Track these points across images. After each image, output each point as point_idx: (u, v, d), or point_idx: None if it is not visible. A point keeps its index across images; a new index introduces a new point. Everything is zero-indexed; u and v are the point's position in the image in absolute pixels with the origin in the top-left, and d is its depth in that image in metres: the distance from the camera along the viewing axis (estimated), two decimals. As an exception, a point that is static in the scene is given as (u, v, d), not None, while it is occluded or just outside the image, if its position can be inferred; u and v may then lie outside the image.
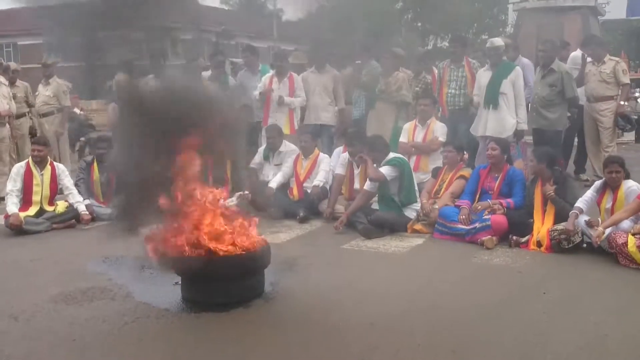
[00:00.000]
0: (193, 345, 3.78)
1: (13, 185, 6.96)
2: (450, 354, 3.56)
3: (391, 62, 8.37)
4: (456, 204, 6.39)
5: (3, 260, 5.76)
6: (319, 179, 7.42)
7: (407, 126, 7.80)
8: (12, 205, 6.81)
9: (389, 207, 6.47)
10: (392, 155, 6.66)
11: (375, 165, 6.62)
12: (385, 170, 6.50)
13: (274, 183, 7.48)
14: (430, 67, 8.80)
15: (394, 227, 6.41)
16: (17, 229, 6.63)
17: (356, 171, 7.20)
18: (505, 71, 7.55)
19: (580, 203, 5.62)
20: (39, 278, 5.12)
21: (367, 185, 6.74)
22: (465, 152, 7.18)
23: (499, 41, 7.90)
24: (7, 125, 8.98)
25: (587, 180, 8.53)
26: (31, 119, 9.67)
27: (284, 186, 7.64)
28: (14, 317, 4.18)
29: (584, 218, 5.60)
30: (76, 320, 4.13)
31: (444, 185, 6.78)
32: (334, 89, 8.77)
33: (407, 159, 6.86)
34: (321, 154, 7.77)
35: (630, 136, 13.21)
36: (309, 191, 7.40)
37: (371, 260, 5.57)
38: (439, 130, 7.56)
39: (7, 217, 6.78)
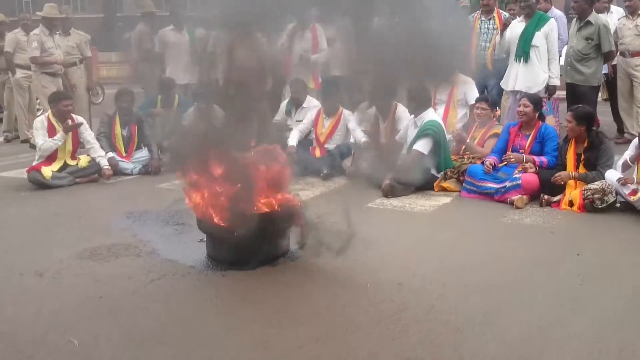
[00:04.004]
0: (220, 303, 3.75)
1: (43, 138, 6.91)
2: (483, 315, 3.47)
3: None
4: (482, 160, 6.21)
5: (27, 214, 5.75)
6: (358, 136, 7.14)
7: None
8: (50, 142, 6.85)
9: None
10: (428, 115, 6.40)
11: (413, 116, 6.46)
12: (421, 146, 6.23)
13: (293, 141, 7.30)
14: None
15: (421, 186, 6.26)
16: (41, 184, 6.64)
17: (382, 126, 7.02)
18: (539, 23, 7.25)
19: (627, 156, 5.51)
20: (63, 233, 5.10)
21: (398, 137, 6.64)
22: (498, 109, 6.94)
23: (530, -9, 7.57)
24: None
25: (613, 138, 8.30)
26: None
27: (306, 143, 7.48)
28: (40, 274, 4.16)
29: (617, 177, 5.43)
30: (102, 277, 4.10)
31: (475, 141, 6.58)
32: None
33: (441, 122, 6.55)
34: (345, 112, 7.56)
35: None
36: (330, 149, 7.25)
37: (397, 219, 5.47)
38: (467, 87, 7.28)
39: (29, 170, 6.76)
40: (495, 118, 6.75)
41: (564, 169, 5.76)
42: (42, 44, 8.96)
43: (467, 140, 6.50)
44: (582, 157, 5.68)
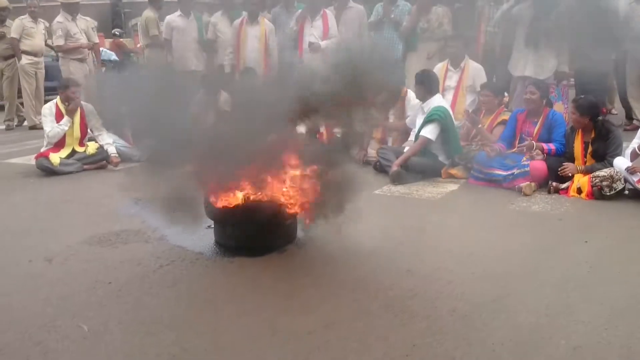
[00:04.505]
0: (228, 289, 3.76)
1: (51, 125, 6.93)
2: (490, 303, 3.47)
3: None
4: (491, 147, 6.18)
5: (35, 200, 5.78)
6: None
7: (438, 69, 7.48)
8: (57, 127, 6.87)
9: (423, 152, 6.30)
10: (435, 101, 6.40)
11: (421, 102, 6.47)
12: (428, 132, 6.25)
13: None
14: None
15: (428, 172, 6.26)
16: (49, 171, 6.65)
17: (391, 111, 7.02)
18: (548, 9, 7.17)
19: (635, 144, 5.45)
20: (72, 219, 5.12)
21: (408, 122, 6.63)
22: (506, 94, 6.90)
23: (538, -25, 7.49)
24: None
25: (621, 124, 8.25)
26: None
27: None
28: (48, 260, 4.18)
29: (625, 164, 5.40)
30: (111, 263, 4.12)
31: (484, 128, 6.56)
32: (360, 25, 8.48)
33: (448, 108, 6.54)
34: None
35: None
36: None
37: (404, 206, 5.46)
38: (476, 73, 7.24)
39: (38, 157, 6.79)
40: (503, 105, 6.70)
41: (572, 157, 5.73)
42: (66, 31, 9.00)
43: (479, 126, 6.47)
44: (590, 147, 5.65)
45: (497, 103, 6.60)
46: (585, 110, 5.63)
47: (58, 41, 9.11)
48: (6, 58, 10.06)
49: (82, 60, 9.26)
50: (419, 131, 6.32)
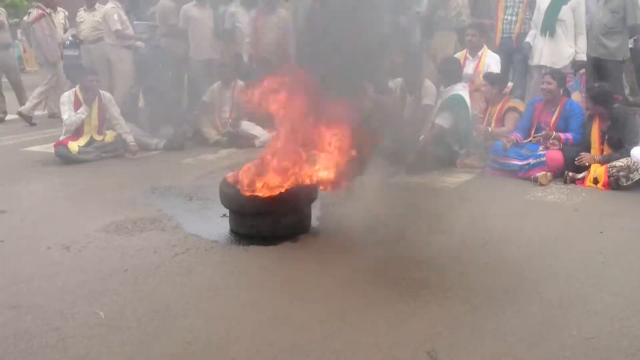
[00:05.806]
0: (242, 277, 3.80)
1: (69, 113, 6.98)
2: (503, 293, 3.48)
3: None
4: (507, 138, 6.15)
5: (54, 188, 5.85)
6: None
7: (457, 57, 7.43)
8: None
9: (438, 142, 6.28)
10: (454, 90, 6.37)
11: (442, 88, 6.48)
12: (443, 119, 6.25)
13: None
14: None
15: (443, 162, 6.24)
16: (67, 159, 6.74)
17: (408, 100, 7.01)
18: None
19: None
20: (90, 207, 5.18)
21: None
22: (509, 85, 6.87)
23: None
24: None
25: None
26: None
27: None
28: (66, 247, 4.25)
29: (642, 155, 5.35)
30: (127, 250, 4.18)
31: (492, 120, 6.53)
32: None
33: (465, 97, 6.48)
34: None
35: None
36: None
37: (419, 196, 5.44)
38: (492, 62, 7.19)
39: (56, 145, 6.86)
40: (507, 94, 6.65)
41: (589, 145, 5.69)
42: (120, 16, 9.03)
43: (489, 129, 6.48)
44: (607, 135, 5.61)
45: (496, 93, 6.54)
46: (598, 99, 5.62)
47: (115, 25, 9.05)
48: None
49: (130, 48, 9.27)
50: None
